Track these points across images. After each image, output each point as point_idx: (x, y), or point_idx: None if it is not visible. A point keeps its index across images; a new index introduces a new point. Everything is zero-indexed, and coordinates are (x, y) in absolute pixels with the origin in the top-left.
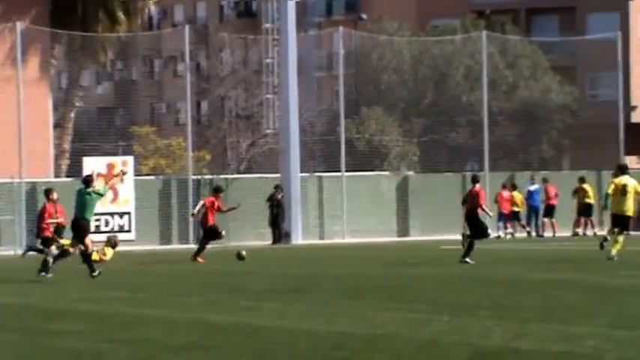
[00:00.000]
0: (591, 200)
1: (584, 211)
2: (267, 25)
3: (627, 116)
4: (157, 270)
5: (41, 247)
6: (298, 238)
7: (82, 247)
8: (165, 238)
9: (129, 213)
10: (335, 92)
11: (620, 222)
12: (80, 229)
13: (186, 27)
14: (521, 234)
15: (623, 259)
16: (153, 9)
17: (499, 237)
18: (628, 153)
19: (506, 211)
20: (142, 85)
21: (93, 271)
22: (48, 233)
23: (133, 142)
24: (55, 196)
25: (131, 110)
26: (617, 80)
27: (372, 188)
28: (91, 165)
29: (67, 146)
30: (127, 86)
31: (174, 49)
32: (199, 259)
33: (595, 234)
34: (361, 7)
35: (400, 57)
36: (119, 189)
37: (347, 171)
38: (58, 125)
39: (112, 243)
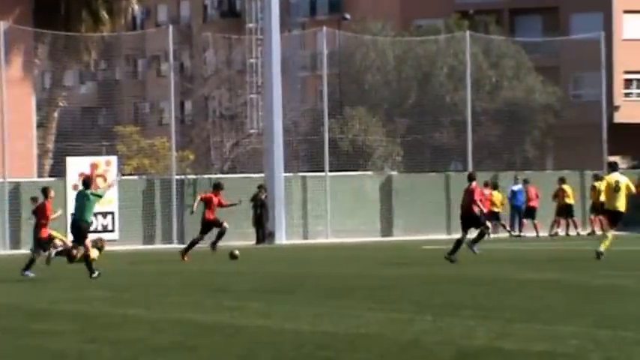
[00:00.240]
0: (571, 201)
1: (564, 211)
2: (251, 25)
3: (610, 116)
4: (141, 270)
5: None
6: (282, 238)
7: (82, 249)
8: (149, 238)
9: (112, 213)
10: (319, 92)
11: (614, 218)
12: (80, 230)
13: (170, 27)
14: (502, 234)
15: (606, 258)
16: (136, 9)
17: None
18: (611, 153)
19: (485, 210)
20: (126, 85)
21: (92, 272)
22: (45, 234)
23: (117, 141)
24: (52, 194)
25: (115, 110)
26: (600, 80)
27: (356, 188)
28: (75, 165)
29: (50, 146)
30: (111, 86)
31: (158, 49)
32: (185, 258)
33: (578, 234)
34: (345, 7)
35: (384, 57)
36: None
37: (331, 171)
38: (41, 125)
39: (98, 245)
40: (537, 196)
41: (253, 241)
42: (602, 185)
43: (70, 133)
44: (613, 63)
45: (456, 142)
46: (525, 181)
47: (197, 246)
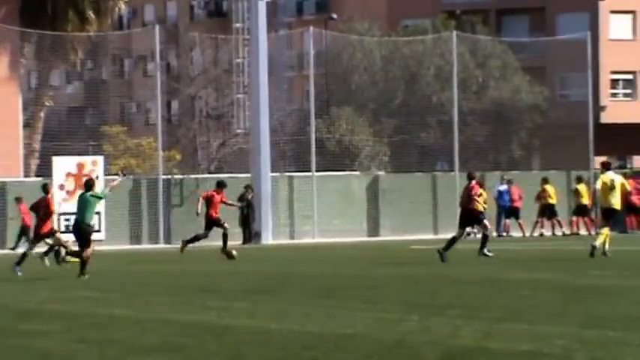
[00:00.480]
0: (553, 201)
1: (546, 212)
2: (238, 25)
3: (597, 116)
4: (128, 270)
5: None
6: (268, 238)
7: (79, 249)
8: (136, 239)
9: (99, 213)
10: (305, 92)
11: (608, 215)
12: (83, 233)
13: (157, 26)
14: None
15: (593, 258)
16: (123, 8)
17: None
18: (598, 153)
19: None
20: (112, 84)
21: (83, 274)
22: (47, 228)
23: (103, 141)
24: (53, 190)
25: (101, 110)
26: (586, 80)
27: (343, 188)
28: (61, 165)
29: (36, 146)
30: (97, 86)
31: (145, 49)
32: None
33: (564, 234)
34: (332, 7)
35: (371, 57)
36: None
37: (317, 171)
38: (27, 125)
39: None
40: (520, 197)
41: (240, 241)
42: (597, 183)
43: (56, 132)
44: (599, 63)
45: (443, 142)
46: (509, 182)
47: (191, 246)
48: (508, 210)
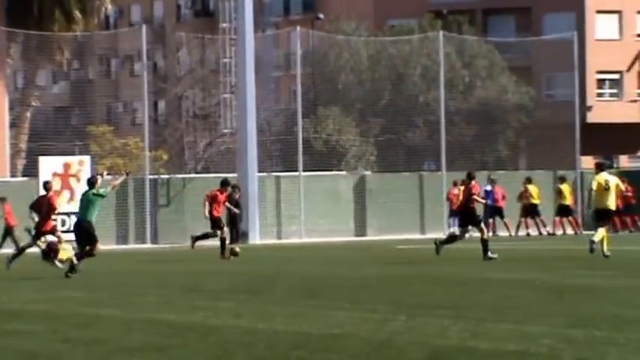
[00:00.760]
0: (536, 201)
1: (529, 212)
2: (225, 25)
3: (583, 116)
4: (114, 270)
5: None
6: (255, 238)
7: (88, 248)
8: (122, 239)
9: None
10: (292, 92)
11: (603, 216)
12: (86, 231)
13: (143, 26)
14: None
15: (579, 258)
16: (109, 8)
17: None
18: (584, 153)
19: (455, 208)
20: (99, 84)
21: (72, 271)
22: (50, 226)
23: (90, 141)
24: (54, 187)
25: (88, 110)
26: (573, 80)
27: (330, 188)
28: (48, 164)
29: (23, 146)
30: (84, 86)
31: (131, 49)
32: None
33: (549, 233)
34: (318, 6)
35: (357, 57)
36: (75, 188)
37: (304, 171)
38: (14, 125)
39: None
40: (504, 197)
41: (227, 241)
42: (593, 185)
43: (42, 132)
44: (586, 63)
45: (430, 142)
46: (492, 181)
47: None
48: (492, 209)
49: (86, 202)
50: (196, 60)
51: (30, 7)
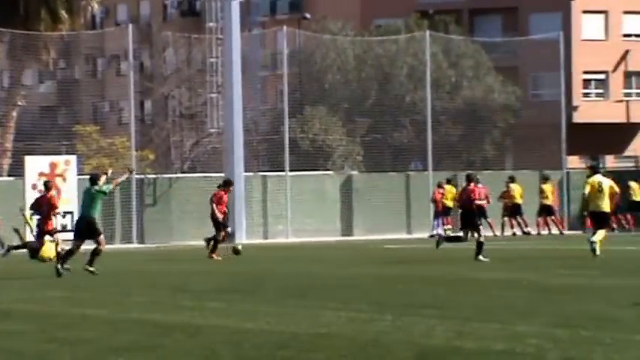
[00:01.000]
0: (519, 200)
1: (512, 211)
2: (211, 25)
3: (569, 116)
4: (101, 270)
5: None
6: (242, 238)
7: (96, 244)
8: (108, 238)
9: (71, 212)
10: (279, 91)
11: (599, 219)
12: (88, 226)
13: (130, 26)
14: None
15: (565, 258)
16: (96, 7)
17: (432, 235)
18: (570, 153)
19: (439, 209)
20: (85, 84)
21: (91, 265)
22: (52, 226)
23: (76, 141)
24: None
25: (74, 109)
26: (559, 80)
27: (316, 188)
28: (34, 164)
29: (9, 145)
30: (70, 85)
31: (118, 48)
32: (215, 257)
33: (524, 232)
34: (305, 6)
35: (344, 56)
36: (62, 188)
37: (291, 170)
38: (0, 124)
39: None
40: (487, 197)
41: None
42: (586, 188)
43: (29, 132)
44: (572, 63)
45: (416, 142)
46: (477, 181)
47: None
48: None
49: (89, 198)
50: (183, 59)
51: (16, 6)
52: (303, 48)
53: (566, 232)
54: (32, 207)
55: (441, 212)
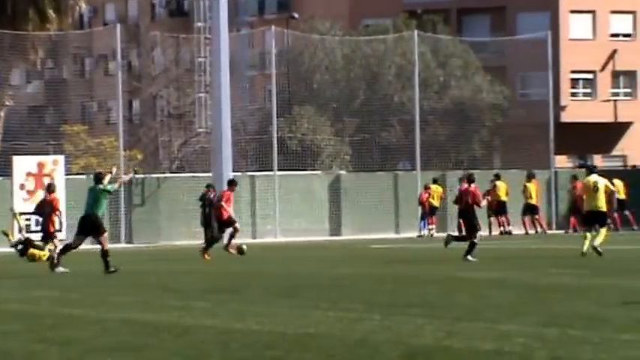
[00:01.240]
0: (504, 198)
1: (497, 209)
2: (199, 24)
3: (557, 116)
4: (88, 270)
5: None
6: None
7: (100, 244)
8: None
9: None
10: (267, 91)
11: (595, 218)
12: (92, 224)
13: (118, 25)
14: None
15: (552, 257)
16: (84, 7)
17: (420, 236)
18: (558, 152)
19: (427, 210)
20: (73, 83)
21: (108, 268)
22: (53, 229)
23: (64, 141)
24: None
25: (62, 109)
26: (547, 80)
27: (305, 187)
28: (21, 164)
29: None
30: (58, 85)
31: (106, 48)
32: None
33: (503, 231)
34: (293, 6)
35: (332, 56)
36: None
37: (279, 170)
38: None
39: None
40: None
41: (201, 241)
42: (582, 189)
43: (16, 132)
44: (560, 63)
45: (405, 142)
46: (461, 179)
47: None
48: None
49: (94, 196)
50: (171, 59)
51: (4, 6)
52: (291, 48)
53: (553, 231)
54: (35, 209)
55: (428, 212)
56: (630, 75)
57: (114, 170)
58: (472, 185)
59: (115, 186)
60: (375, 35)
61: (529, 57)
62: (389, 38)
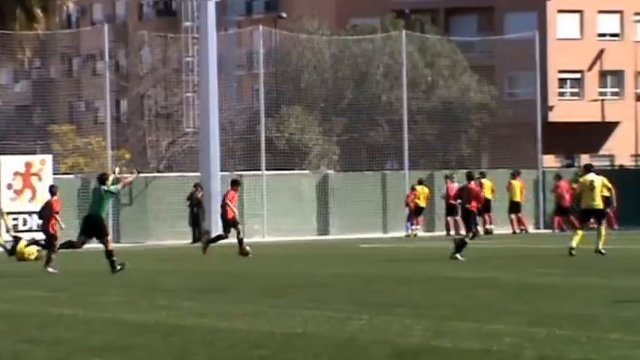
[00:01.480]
0: (489, 196)
1: (482, 207)
2: (187, 24)
3: (545, 115)
4: (76, 269)
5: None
6: None
7: (104, 245)
8: None
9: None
10: (255, 91)
11: (592, 216)
12: (95, 225)
13: (106, 25)
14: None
15: (539, 257)
16: (71, 7)
17: (408, 236)
18: (546, 152)
19: (412, 210)
20: (61, 83)
21: (114, 267)
22: (53, 230)
23: (52, 140)
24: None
25: (49, 109)
26: (534, 79)
27: (293, 187)
28: (9, 164)
29: None
30: (45, 85)
31: (93, 48)
32: (246, 252)
33: (491, 231)
34: (281, 6)
35: (320, 56)
36: (37, 187)
37: (267, 170)
38: None
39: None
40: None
41: (189, 240)
42: (579, 187)
43: (4, 131)
44: (547, 62)
45: (392, 141)
46: (447, 177)
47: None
48: (445, 207)
49: (98, 198)
50: (159, 59)
51: None
52: (279, 47)
53: (541, 230)
54: (39, 212)
55: (414, 213)
56: (618, 75)
57: (116, 171)
58: (472, 182)
59: (119, 187)
60: (362, 35)
61: (517, 57)
62: (377, 38)
